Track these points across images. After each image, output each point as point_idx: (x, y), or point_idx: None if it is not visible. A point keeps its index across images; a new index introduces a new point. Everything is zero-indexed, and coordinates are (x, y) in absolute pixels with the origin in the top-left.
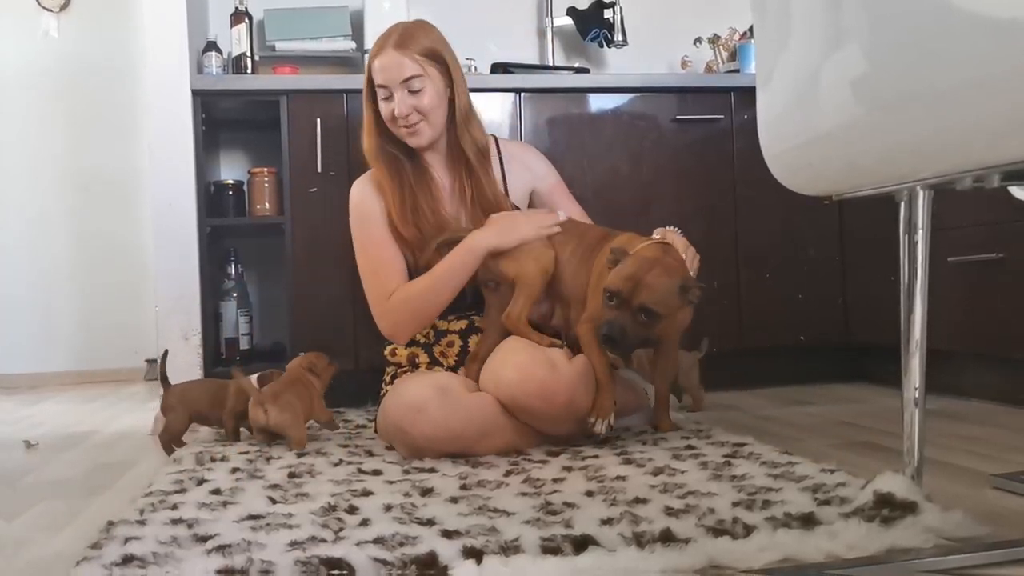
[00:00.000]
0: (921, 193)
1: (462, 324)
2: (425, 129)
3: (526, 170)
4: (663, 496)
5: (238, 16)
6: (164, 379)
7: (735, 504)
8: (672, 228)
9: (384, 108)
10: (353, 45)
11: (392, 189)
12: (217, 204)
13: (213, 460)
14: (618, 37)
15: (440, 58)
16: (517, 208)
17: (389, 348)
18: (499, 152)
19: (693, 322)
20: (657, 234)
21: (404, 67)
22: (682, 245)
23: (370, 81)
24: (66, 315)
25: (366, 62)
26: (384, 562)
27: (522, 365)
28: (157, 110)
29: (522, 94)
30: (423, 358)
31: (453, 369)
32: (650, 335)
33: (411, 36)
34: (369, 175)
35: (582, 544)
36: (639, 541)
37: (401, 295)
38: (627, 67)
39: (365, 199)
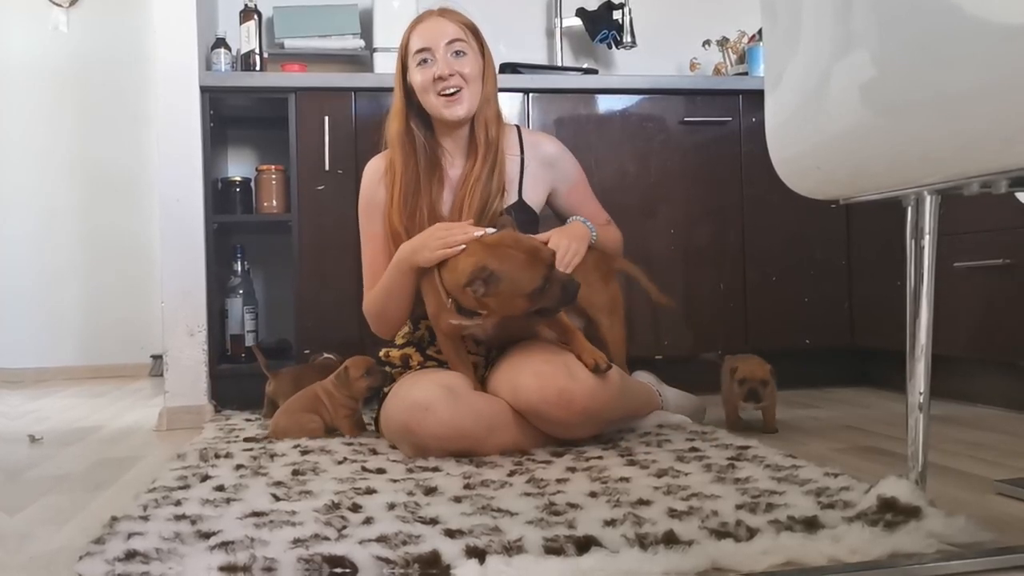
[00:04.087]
0: (928, 198)
1: None
2: (466, 97)
3: (547, 167)
4: (666, 498)
5: (247, 13)
6: (268, 367)
7: (738, 507)
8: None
9: (422, 75)
10: (362, 43)
11: (400, 180)
12: (224, 201)
13: (217, 456)
14: (627, 38)
15: (479, 35)
16: (528, 205)
17: (383, 351)
18: (521, 144)
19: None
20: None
21: (449, 30)
22: (560, 244)
23: (403, 60)
24: (72, 310)
25: (400, 41)
26: (387, 561)
27: (541, 372)
28: (165, 106)
29: (530, 94)
30: (416, 358)
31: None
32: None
33: (453, 10)
34: (384, 155)
35: (585, 545)
36: (642, 543)
37: (366, 302)
38: (636, 68)
39: (372, 182)
